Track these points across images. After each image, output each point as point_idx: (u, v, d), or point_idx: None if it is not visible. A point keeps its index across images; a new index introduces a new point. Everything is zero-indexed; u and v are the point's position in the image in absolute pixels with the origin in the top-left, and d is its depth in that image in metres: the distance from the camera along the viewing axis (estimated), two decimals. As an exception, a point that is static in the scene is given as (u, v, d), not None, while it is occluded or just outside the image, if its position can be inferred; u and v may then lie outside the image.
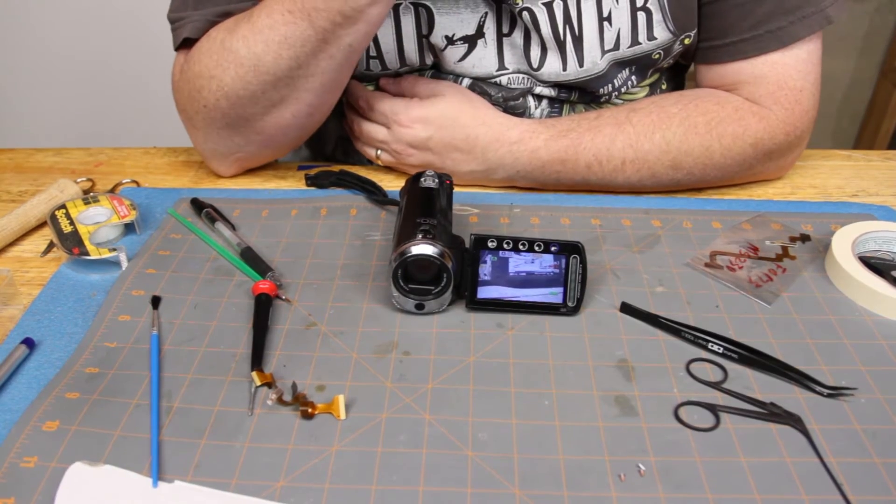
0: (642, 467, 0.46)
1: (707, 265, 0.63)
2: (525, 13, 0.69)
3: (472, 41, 0.72)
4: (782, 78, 0.70)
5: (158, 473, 0.45)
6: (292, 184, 0.77)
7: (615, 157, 0.69)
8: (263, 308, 0.57)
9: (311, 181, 0.77)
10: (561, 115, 0.78)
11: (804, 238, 0.67)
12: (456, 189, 0.72)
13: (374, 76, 0.77)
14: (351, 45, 0.63)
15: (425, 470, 0.46)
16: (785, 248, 0.65)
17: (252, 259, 0.63)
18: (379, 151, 0.76)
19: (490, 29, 0.71)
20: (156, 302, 0.59)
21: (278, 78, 0.65)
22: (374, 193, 0.73)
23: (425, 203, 0.60)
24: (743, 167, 0.72)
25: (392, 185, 0.75)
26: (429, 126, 0.71)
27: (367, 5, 0.60)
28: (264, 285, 0.58)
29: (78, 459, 0.46)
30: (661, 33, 0.72)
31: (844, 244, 0.62)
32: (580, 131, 0.70)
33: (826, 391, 0.51)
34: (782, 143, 0.72)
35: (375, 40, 0.72)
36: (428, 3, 0.70)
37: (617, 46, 0.72)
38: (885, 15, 1.92)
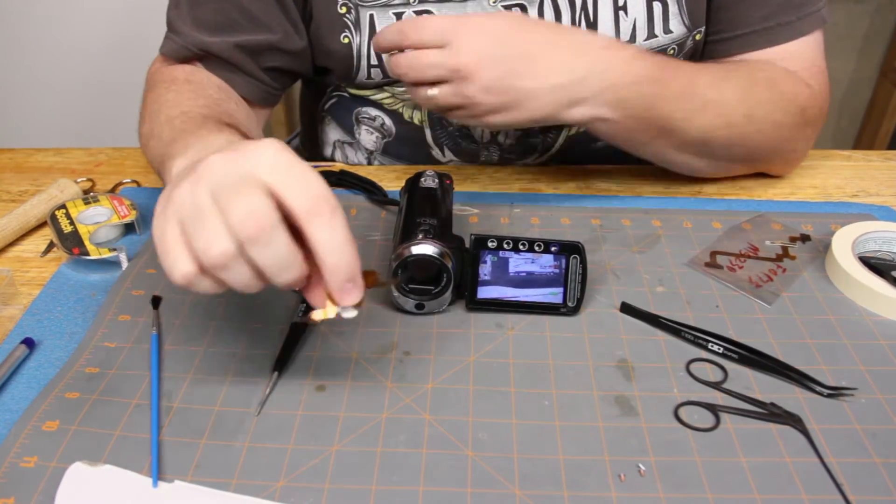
0: (642, 467, 0.46)
1: (707, 265, 0.63)
2: (547, 0, 0.69)
3: None
4: (809, 59, 0.71)
5: (158, 473, 0.45)
6: (292, 184, 0.77)
7: (698, 95, 0.63)
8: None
9: (311, 181, 0.76)
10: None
11: (804, 238, 0.67)
12: (456, 189, 0.72)
13: (374, 84, 0.76)
14: None
15: (425, 470, 0.46)
16: (785, 249, 0.65)
17: None
18: (436, 90, 0.60)
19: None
20: (156, 302, 0.59)
21: (148, 161, 0.64)
22: (374, 193, 0.73)
23: (425, 203, 0.60)
24: (792, 131, 0.70)
25: (392, 185, 0.75)
26: (499, 36, 0.58)
27: None
28: None
29: (78, 459, 0.46)
30: (677, 27, 0.72)
31: (844, 244, 0.62)
32: (664, 57, 0.64)
33: (826, 391, 0.51)
34: (818, 116, 0.72)
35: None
36: (433, 10, 0.70)
37: (633, 38, 0.72)
38: (885, 15, 1.92)
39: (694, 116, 0.63)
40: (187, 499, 0.44)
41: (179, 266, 0.41)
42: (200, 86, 0.66)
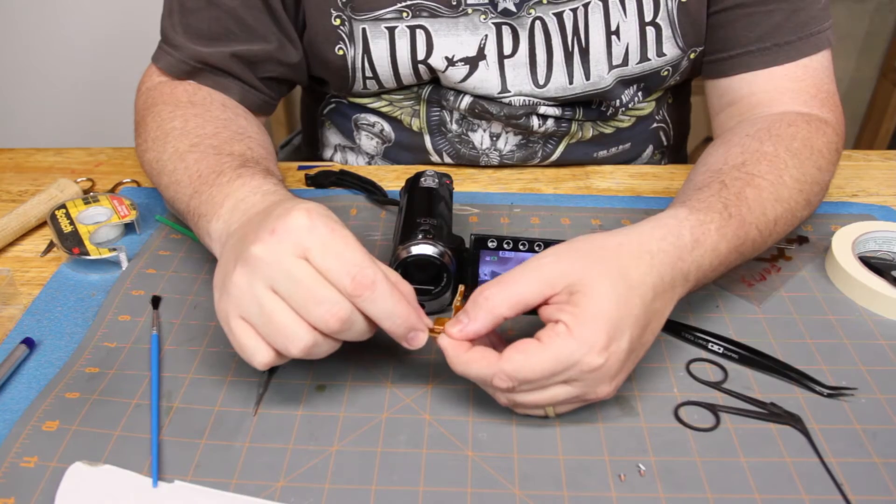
0: (642, 467, 0.46)
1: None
2: (538, 22, 0.69)
3: (473, 63, 0.70)
4: (815, 84, 0.68)
5: (158, 473, 0.45)
6: (292, 184, 0.77)
7: (769, 220, 0.57)
8: None
9: (311, 181, 0.77)
10: (569, 132, 0.77)
11: (801, 240, 0.67)
12: (456, 189, 0.72)
13: (371, 94, 0.76)
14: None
15: (425, 470, 0.46)
16: (781, 250, 0.65)
17: None
18: (551, 408, 0.49)
19: (491, 51, 0.70)
20: (156, 302, 0.59)
21: (163, 194, 0.63)
22: (374, 193, 0.73)
23: (425, 203, 0.60)
24: (832, 176, 0.65)
25: (392, 185, 0.75)
26: (621, 329, 0.45)
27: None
28: None
29: (78, 459, 0.46)
30: (671, 49, 0.71)
31: (844, 244, 0.62)
32: (732, 205, 0.55)
33: (826, 391, 0.51)
34: (843, 143, 0.67)
35: (370, 61, 0.71)
36: (426, 25, 0.69)
37: (626, 62, 0.71)
38: (885, 15, 1.92)
39: (768, 240, 0.58)
40: (187, 499, 0.44)
41: (259, 357, 0.45)
42: (204, 107, 0.66)
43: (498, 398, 0.48)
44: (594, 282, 0.45)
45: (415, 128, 0.78)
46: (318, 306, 0.43)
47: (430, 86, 0.75)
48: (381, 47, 0.70)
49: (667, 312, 0.49)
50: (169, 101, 0.66)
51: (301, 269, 0.43)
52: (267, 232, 0.44)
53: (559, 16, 0.69)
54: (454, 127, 0.77)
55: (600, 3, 0.68)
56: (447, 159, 0.80)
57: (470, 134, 0.77)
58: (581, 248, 0.48)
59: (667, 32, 0.70)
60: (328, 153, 0.87)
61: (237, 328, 0.45)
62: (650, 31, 0.70)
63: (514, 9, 0.69)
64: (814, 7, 0.67)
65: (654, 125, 0.82)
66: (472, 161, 0.79)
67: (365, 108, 0.79)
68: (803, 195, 0.60)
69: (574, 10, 0.69)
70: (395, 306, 0.45)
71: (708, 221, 0.52)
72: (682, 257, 0.50)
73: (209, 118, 0.64)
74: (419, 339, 0.47)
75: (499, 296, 0.46)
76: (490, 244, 0.56)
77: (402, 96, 0.76)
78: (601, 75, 0.71)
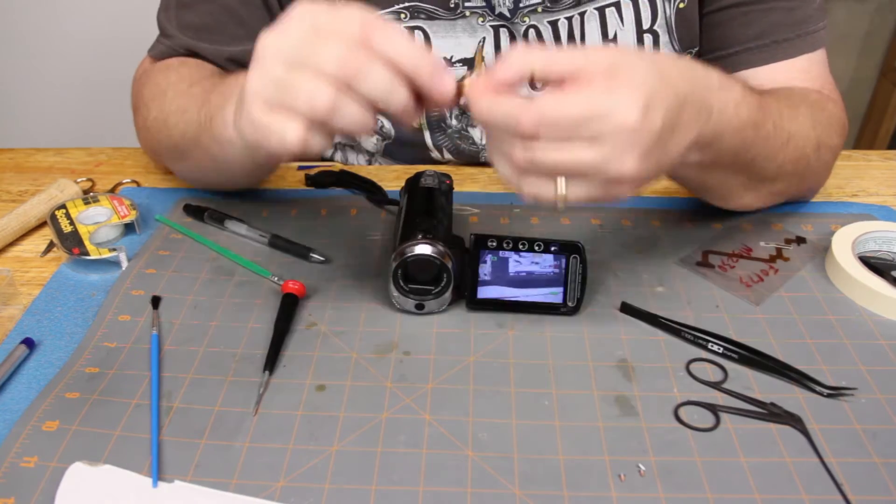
0: (642, 467, 0.46)
1: (698, 264, 0.63)
2: (531, 31, 0.69)
3: (471, 64, 0.71)
4: (819, 76, 0.69)
5: (158, 473, 0.45)
6: (292, 184, 0.77)
7: (784, 130, 0.56)
8: (288, 309, 0.57)
9: (312, 181, 0.77)
10: None
11: (800, 240, 0.67)
12: (456, 189, 0.72)
13: None
14: (215, 159, 0.59)
15: (425, 470, 0.46)
16: (779, 250, 0.65)
17: (285, 245, 0.65)
18: (563, 182, 0.45)
19: (489, 53, 0.70)
20: (156, 302, 0.59)
21: (174, 142, 0.64)
22: (374, 193, 0.73)
23: (425, 203, 0.60)
24: (837, 153, 0.66)
25: (392, 185, 0.75)
26: (658, 101, 0.44)
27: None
28: (294, 285, 0.58)
29: (78, 459, 0.46)
30: (668, 53, 0.71)
31: (844, 244, 0.62)
32: (754, 94, 0.55)
33: (826, 391, 0.51)
34: (845, 132, 0.68)
35: None
36: (424, 26, 0.69)
37: None
38: (885, 15, 1.92)
39: (777, 154, 0.57)
40: (187, 499, 0.44)
41: (290, 134, 0.43)
42: (197, 66, 0.67)
43: (514, 156, 0.44)
44: (636, 61, 0.44)
45: (414, 124, 0.78)
46: (331, 53, 0.42)
47: None
48: None
49: (688, 134, 0.47)
50: (160, 69, 0.68)
51: (307, 34, 0.43)
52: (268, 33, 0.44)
53: (553, 24, 0.69)
54: (454, 122, 0.77)
55: (596, 13, 0.68)
56: (447, 155, 0.80)
57: (470, 129, 0.77)
58: (620, 50, 0.47)
59: (664, 38, 0.70)
60: (328, 151, 0.87)
61: (264, 117, 0.44)
62: (647, 38, 0.70)
63: (508, 14, 0.69)
64: (810, 6, 0.67)
65: None
66: (472, 157, 0.79)
67: None
68: (815, 132, 0.60)
69: (569, 19, 0.69)
70: (411, 43, 0.43)
71: (733, 85, 0.52)
72: (710, 88, 0.49)
73: (205, 72, 0.65)
74: (446, 80, 0.44)
75: (535, 50, 0.44)
76: (490, 244, 0.56)
77: None
78: None
